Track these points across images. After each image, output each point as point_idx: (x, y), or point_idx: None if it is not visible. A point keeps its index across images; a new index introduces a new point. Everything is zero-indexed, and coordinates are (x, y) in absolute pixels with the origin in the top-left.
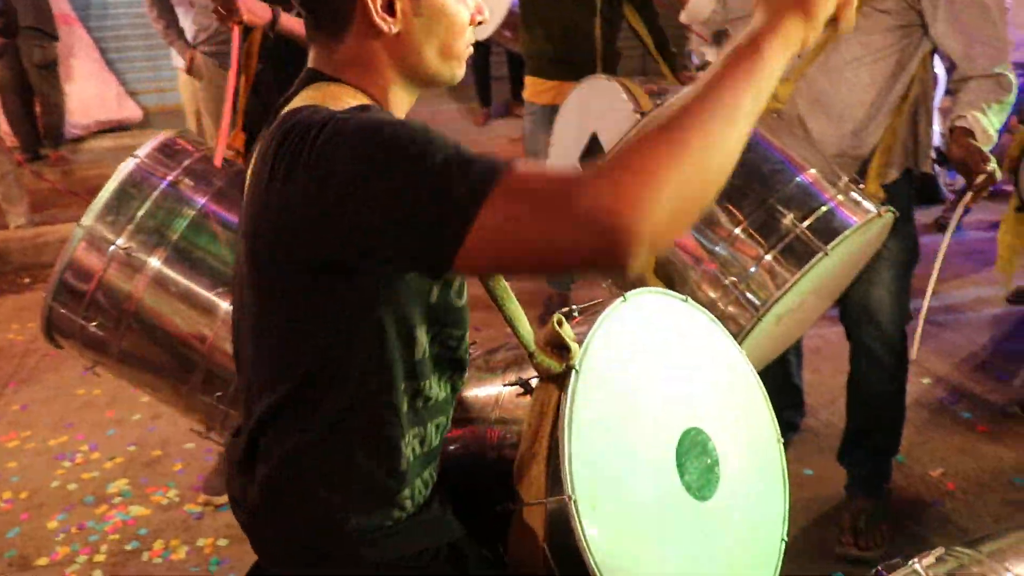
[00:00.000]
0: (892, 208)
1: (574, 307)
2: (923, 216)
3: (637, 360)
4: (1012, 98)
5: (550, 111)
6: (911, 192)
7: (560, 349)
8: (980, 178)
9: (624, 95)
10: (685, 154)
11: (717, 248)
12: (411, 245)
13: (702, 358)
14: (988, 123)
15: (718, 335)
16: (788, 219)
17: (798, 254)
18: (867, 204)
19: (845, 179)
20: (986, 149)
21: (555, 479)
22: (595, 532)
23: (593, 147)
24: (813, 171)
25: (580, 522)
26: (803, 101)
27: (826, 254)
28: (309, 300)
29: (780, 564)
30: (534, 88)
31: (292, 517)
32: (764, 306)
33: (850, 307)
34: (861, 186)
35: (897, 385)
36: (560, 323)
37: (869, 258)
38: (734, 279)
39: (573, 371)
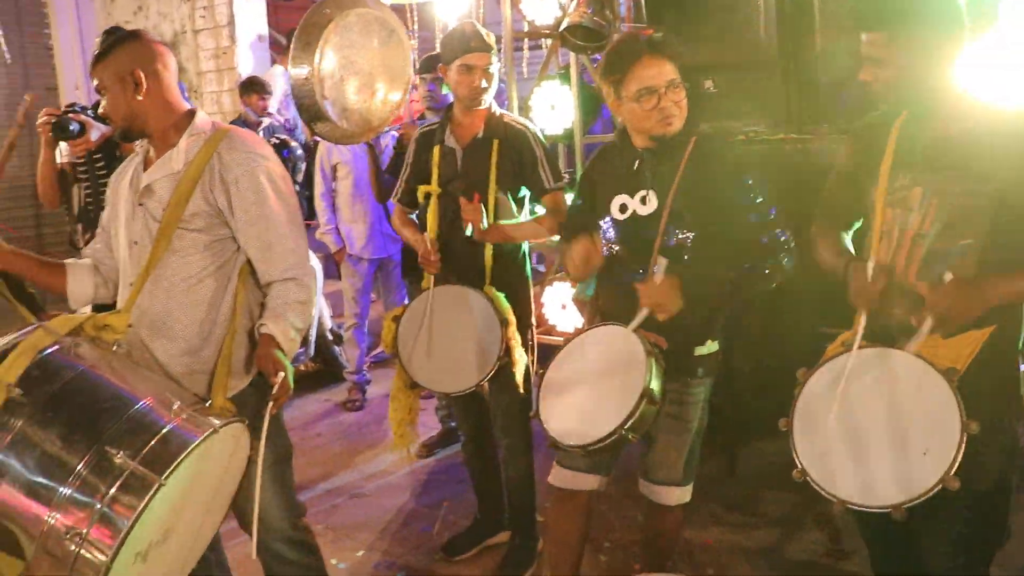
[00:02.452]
0: (240, 417)
1: None
2: (334, 395)
3: None
4: (311, 298)
5: None
6: (268, 396)
7: None
8: (276, 389)
9: None
10: None
11: (63, 490)
12: None
13: None
14: (288, 326)
15: None
16: (120, 457)
17: (135, 489)
18: (209, 420)
19: (186, 400)
20: (287, 353)
21: None
22: None
23: None
24: (149, 400)
25: None
26: (143, 327)
27: (163, 484)
28: None
29: None
30: None
31: None
32: (113, 551)
33: (241, 513)
34: (208, 403)
35: (301, 570)
36: None
37: (244, 463)
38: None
39: None
